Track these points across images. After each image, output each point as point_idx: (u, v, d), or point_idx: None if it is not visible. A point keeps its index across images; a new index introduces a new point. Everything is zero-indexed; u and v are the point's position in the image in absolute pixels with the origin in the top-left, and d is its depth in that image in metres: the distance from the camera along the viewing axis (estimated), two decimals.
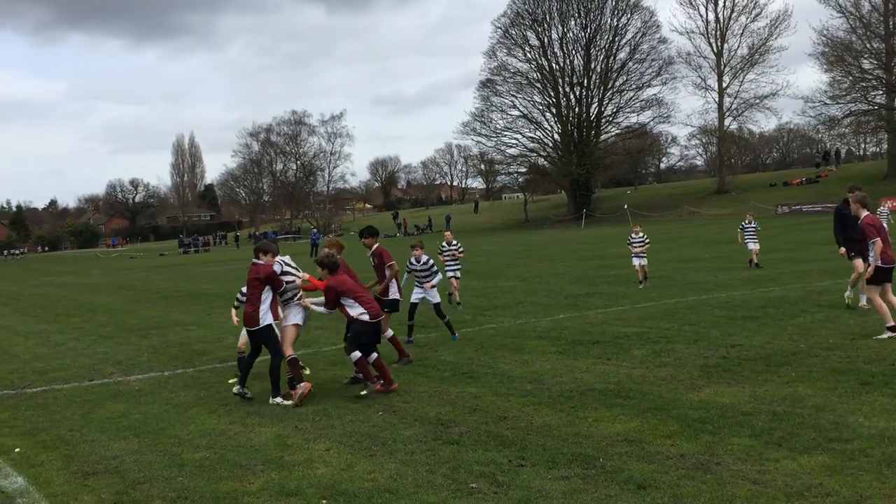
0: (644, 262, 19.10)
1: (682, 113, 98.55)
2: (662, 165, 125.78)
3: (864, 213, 10.86)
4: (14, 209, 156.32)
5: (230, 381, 9.94)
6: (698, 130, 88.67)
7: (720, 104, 76.78)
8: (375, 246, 11.56)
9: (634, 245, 19.29)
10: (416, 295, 12.97)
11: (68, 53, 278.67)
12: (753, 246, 21.73)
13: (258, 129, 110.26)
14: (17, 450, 7.42)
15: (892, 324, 10.35)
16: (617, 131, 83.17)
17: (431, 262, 13.04)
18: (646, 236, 19.63)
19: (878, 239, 10.48)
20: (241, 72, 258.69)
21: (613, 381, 8.85)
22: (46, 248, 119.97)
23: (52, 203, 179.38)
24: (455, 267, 17.61)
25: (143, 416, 8.59)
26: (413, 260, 13.05)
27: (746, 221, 22.33)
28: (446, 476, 5.99)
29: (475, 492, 5.62)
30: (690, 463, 5.93)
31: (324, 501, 5.59)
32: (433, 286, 12.86)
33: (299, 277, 9.75)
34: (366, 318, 9.05)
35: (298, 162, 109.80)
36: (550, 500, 5.35)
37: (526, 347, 11.43)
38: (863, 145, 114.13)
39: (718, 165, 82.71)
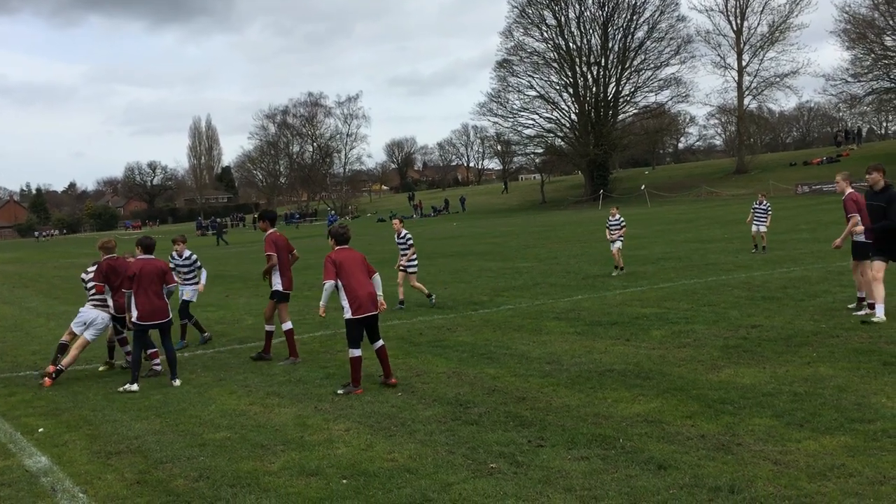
0: (619, 245, 18.15)
1: (701, 92, 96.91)
2: (681, 145, 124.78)
3: (849, 189, 11.16)
4: (34, 192, 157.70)
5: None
6: (717, 110, 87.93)
7: (739, 83, 75.85)
8: (269, 231, 10.66)
9: (612, 229, 18.48)
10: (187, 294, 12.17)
11: (88, 36, 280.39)
12: (760, 228, 20.71)
13: (274, 111, 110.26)
14: (41, 429, 7.50)
15: (862, 295, 10.99)
16: (635, 111, 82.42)
17: (195, 256, 12.31)
18: (622, 219, 18.75)
19: (857, 215, 10.85)
20: (259, 53, 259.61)
21: (632, 362, 8.82)
22: (65, 231, 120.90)
23: (72, 186, 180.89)
24: (411, 261, 14.79)
25: (164, 396, 8.66)
26: (174, 254, 12.25)
27: (757, 202, 21.24)
28: (466, 456, 6.01)
29: (495, 472, 5.62)
30: (711, 443, 5.91)
31: (344, 481, 5.62)
32: (201, 286, 12.13)
33: None
34: (347, 314, 8.42)
35: (315, 144, 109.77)
36: (570, 480, 5.35)
37: (544, 328, 11.41)
38: (885, 124, 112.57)
39: (738, 145, 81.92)
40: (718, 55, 76.25)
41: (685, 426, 6.39)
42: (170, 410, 7.98)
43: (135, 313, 9.30)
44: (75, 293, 22.10)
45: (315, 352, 10.84)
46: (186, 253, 12.32)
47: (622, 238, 18.31)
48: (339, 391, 8.31)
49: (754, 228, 20.98)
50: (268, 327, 10.52)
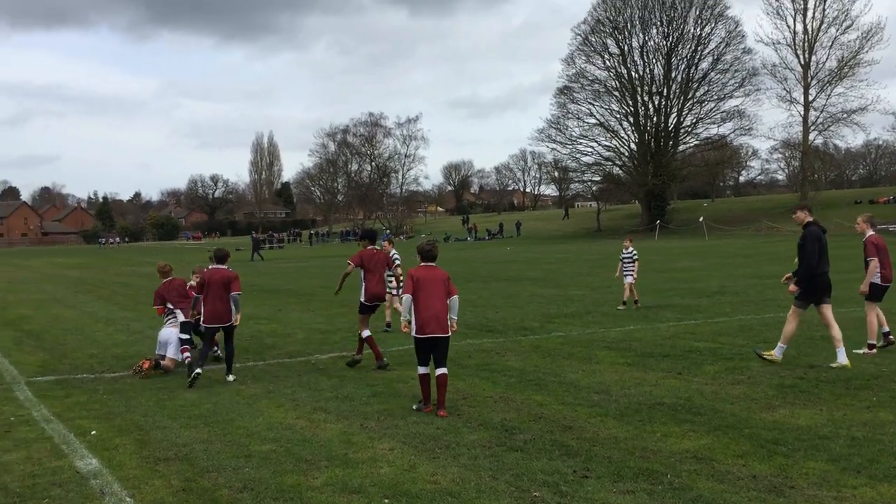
0: (631, 280, 17.40)
1: (765, 125, 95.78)
2: (742, 178, 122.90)
3: (870, 232, 11.26)
4: (101, 200, 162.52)
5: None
6: (781, 144, 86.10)
7: (805, 118, 74.31)
8: (369, 248, 11.44)
9: (624, 262, 17.70)
10: None
11: (159, 50, 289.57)
12: None
13: (335, 130, 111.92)
14: (93, 432, 7.66)
15: (874, 342, 10.98)
16: (695, 142, 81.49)
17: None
18: (635, 253, 17.78)
19: (875, 259, 11.03)
20: (323, 72, 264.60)
21: (684, 397, 8.65)
22: (127, 239, 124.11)
23: (137, 195, 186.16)
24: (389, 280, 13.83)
25: (213, 405, 8.78)
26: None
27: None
28: (509, 483, 5.94)
29: (538, 500, 5.55)
30: (763, 485, 5.74)
31: (386, 501, 5.61)
32: None
33: None
34: (413, 331, 8.44)
35: (373, 163, 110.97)
36: None
37: (594, 357, 11.27)
38: None
39: (801, 180, 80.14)
40: (784, 89, 74.78)
41: (736, 465, 6.23)
42: (218, 420, 8.08)
43: (202, 317, 10.42)
44: (134, 299, 22.65)
45: (364, 369, 10.88)
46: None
47: (634, 275, 17.47)
48: (414, 407, 8.49)
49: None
50: (364, 333, 11.07)
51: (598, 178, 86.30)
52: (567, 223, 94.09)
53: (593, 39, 78.65)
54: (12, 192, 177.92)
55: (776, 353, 10.43)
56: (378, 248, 11.90)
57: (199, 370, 9.99)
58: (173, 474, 6.30)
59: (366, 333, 11.03)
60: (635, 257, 17.75)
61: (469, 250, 59.81)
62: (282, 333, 14.82)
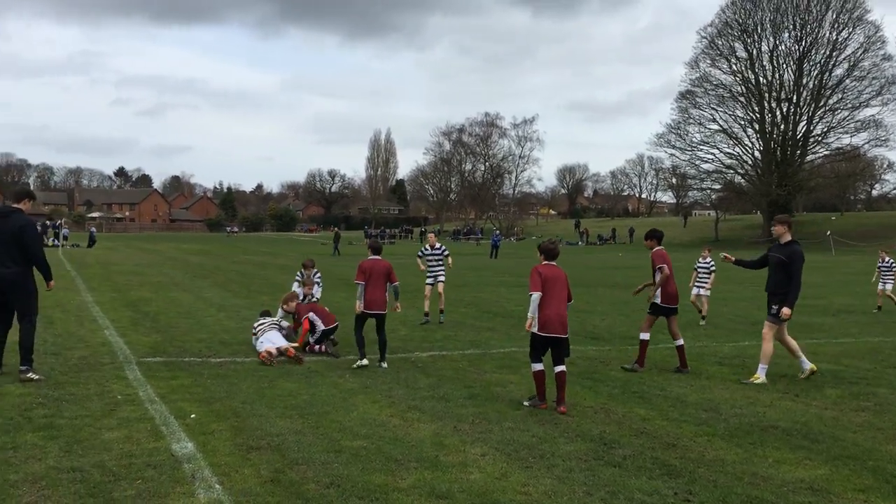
0: (704, 292, 16.36)
1: None
2: (875, 192, 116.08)
3: None
4: (225, 190, 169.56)
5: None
6: None
7: None
8: (655, 248, 11.12)
9: (700, 272, 16.58)
10: None
11: (286, 47, 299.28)
12: (883, 286, 19.87)
13: (451, 129, 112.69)
14: (192, 415, 7.78)
15: None
16: (825, 152, 77.60)
17: (320, 274, 14.30)
18: (713, 263, 16.62)
19: None
20: (442, 71, 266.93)
21: (801, 421, 8.06)
22: (244, 229, 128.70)
23: (259, 187, 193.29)
24: (438, 271, 15.97)
25: (310, 397, 8.79)
26: (301, 273, 14.51)
27: (881, 260, 20.30)
28: (604, 500, 5.63)
29: None
30: None
31: None
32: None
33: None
34: (534, 328, 8.52)
35: (487, 163, 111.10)
36: None
37: (704, 372, 10.72)
38: None
39: None
40: None
41: (856, 501, 5.70)
42: (313, 412, 8.06)
43: (360, 304, 10.75)
44: (247, 287, 23.31)
45: (462, 370, 10.71)
46: (315, 271, 14.19)
47: (708, 286, 16.50)
48: (525, 403, 8.50)
49: (880, 287, 20.15)
50: (678, 342, 10.90)
51: (717, 187, 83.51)
52: (683, 232, 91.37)
53: (720, 43, 76.16)
54: (145, 180, 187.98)
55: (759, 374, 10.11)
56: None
57: (364, 361, 10.60)
58: (263, 464, 6.28)
59: (645, 336, 10.87)
60: (712, 268, 16.80)
61: (579, 255, 58.92)
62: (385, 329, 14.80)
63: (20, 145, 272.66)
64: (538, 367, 8.52)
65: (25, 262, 9.29)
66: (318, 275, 13.88)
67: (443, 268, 16.06)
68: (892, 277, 19.94)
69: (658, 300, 10.87)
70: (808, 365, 10.31)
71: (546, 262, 8.66)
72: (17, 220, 9.27)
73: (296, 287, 13.93)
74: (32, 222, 9.55)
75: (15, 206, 9.47)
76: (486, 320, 16.12)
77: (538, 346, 8.49)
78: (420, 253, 16.56)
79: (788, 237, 10.47)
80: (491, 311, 17.41)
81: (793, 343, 10.45)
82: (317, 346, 11.85)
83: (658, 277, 10.84)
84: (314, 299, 13.64)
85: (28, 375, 9.18)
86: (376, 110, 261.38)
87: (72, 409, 7.94)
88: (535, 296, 8.37)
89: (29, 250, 9.26)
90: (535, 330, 8.41)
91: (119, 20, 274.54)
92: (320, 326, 11.95)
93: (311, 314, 12.08)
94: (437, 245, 16.14)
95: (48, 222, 68.33)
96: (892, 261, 20.18)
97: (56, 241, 54.91)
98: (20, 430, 7.10)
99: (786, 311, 10.06)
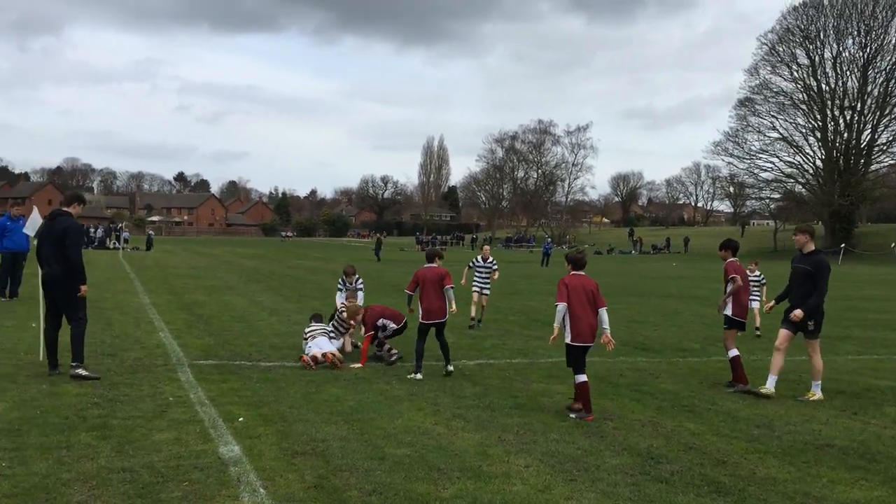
0: (756, 304, 16.02)
1: None
2: None
3: None
4: (280, 195, 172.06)
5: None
6: None
7: None
8: (729, 259, 10.96)
9: (752, 284, 16.12)
10: None
11: (342, 54, 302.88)
12: None
13: (504, 136, 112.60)
14: (240, 419, 7.87)
15: None
16: (891, 161, 75.35)
17: (361, 281, 13.76)
18: (762, 276, 16.69)
19: None
20: (495, 78, 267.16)
21: (858, 440, 7.81)
22: (294, 234, 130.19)
23: (313, 192, 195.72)
24: (485, 283, 16.51)
25: (356, 403, 8.82)
26: (343, 280, 13.80)
27: None
28: None
29: None
30: None
31: None
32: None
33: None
34: (567, 338, 8.59)
35: (539, 170, 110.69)
36: None
37: (757, 387, 10.45)
38: None
39: None
40: None
41: None
42: (359, 418, 8.09)
43: (420, 313, 10.64)
44: (299, 291, 23.57)
45: (509, 379, 10.65)
46: (357, 277, 13.80)
47: (761, 299, 16.17)
48: (572, 416, 8.41)
49: None
50: (731, 353, 10.68)
51: (777, 196, 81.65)
52: (740, 242, 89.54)
53: (781, 49, 74.60)
54: (203, 185, 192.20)
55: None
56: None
57: (419, 375, 10.45)
58: (308, 469, 6.32)
59: (733, 352, 10.62)
60: (763, 281, 16.71)
61: (632, 263, 58.24)
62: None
63: (85, 150, 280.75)
64: (582, 378, 8.52)
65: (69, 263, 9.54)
66: (361, 281, 13.89)
67: (489, 281, 16.57)
68: None
69: (729, 312, 10.62)
70: (770, 388, 9.84)
71: (574, 272, 8.77)
72: (62, 222, 9.58)
73: (339, 298, 13.70)
74: (76, 226, 9.75)
75: (65, 209, 9.75)
76: (535, 329, 16.01)
77: (577, 356, 8.59)
78: (471, 263, 17.01)
79: (812, 246, 10.18)
80: (540, 320, 17.29)
81: (816, 362, 10.04)
82: (386, 345, 11.86)
83: (729, 287, 10.61)
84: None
85: (77, 371, 9.45)
86: (430, 117, 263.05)
87: (125, 409, 8.11)
88: (561, 306, 8.52)
89: (67, 251, 9.49)
90: (568, 340, 8.55)
91: (181, 29, 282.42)
92: (392, 326, 11.88)
93: (381, 320, 11.86)
94: (490, 259, 16.72)
95: (110, 226, 70.13)
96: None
97: (117, 244, 56.34)
98: (74, 429, 7.27)
99: (798, 312, 9.73)
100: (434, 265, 11.07)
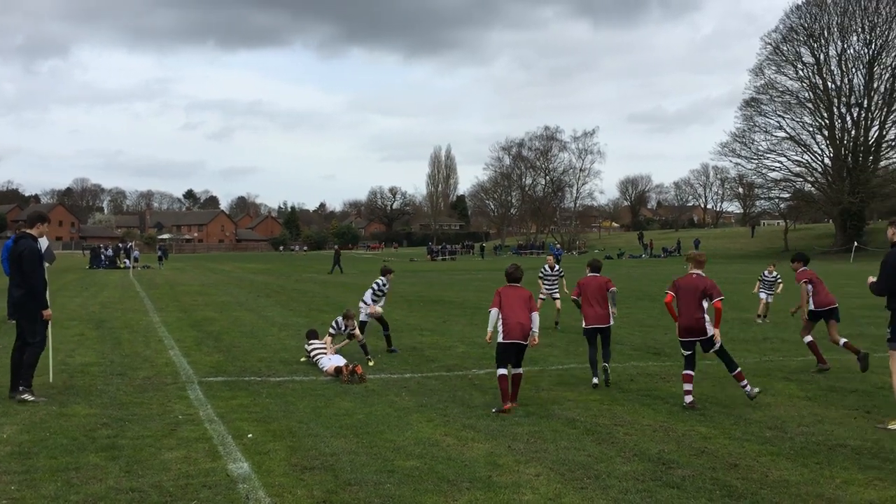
0: (769, 299, 19.07)
1: None
2: None
3: None
4: (289, 209, 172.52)
5: None
6: None
7: None
8: (800, 269, 12.43)
9: (766, 282, 19.37)
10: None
11: (349, 67, 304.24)
12: None
13: (510, 143, 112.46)
14: (249, 435, 7.86)
15: None
16: None
17: (380, 283, 14.47)
18: (779, 276, 19.34)
19: None
20: (502, 86, 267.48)
21: (871, 439, 7.74)
22: (305, 248, 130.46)
23: (322, 206, 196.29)
24: (554, 289, 18.49)
25: (365, 416, 8.80)
26: (380, 282, 14.63)
27: None
28: None
29: None
30: None
31: None
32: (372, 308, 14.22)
33: None
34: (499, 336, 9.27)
35: (547, 177, 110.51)
36: None
37: (770, 388, 10.39)
38: None
39: None
40: None
41: None
42: (368, 431, 8.07)
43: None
44: (308, 305, 23.57)
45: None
46: (381, 280, 14.42)
47: (773, 292, 19.23)
48: (493, 410, 8.98)
49: None
50: (806, 339, 12.23)
51: (786, 195, 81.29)
52: (751, 242, 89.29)
53: (785, 48, 74.40)
54: (213, 201, 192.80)
55: None
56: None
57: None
58: (317, 484, 6.29)
59: (808, 338, 12.20)
60: (779, 280, 19.37)
61: (643, 267, 58.04)
62: (442, 346, 14.81)
63: (95, 170, 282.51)
64: (501, 371, 9.24)
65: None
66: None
67: (558, 287, 18.50)
68: None
69: (812, 307, 12.01)
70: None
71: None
72: (21, 245, 9.42)
73: (327, 340, 12.78)
74: (32, 248, 9.43)
75: (26, 230, 9.62)
76: (545, 335, 15.94)
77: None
78: (541, 274, 18.67)
79: None
80: (550, 327, 17.23)
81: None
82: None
83: (808, 289, 12.02)
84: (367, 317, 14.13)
85: (23, 397, 9.27)
86: (437, 127, 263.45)
87: (134, 429, 8.11)
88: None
89: (23, 275, 9.35)
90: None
91: (188, 47, 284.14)
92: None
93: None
94: (557, 267, 18.61)
95: (119, 245, 70.39)
96: None
97: (128, 263, 56.54)
98: (84, 450, 7.28)
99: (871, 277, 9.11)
100: (598, 275, 11.22)
